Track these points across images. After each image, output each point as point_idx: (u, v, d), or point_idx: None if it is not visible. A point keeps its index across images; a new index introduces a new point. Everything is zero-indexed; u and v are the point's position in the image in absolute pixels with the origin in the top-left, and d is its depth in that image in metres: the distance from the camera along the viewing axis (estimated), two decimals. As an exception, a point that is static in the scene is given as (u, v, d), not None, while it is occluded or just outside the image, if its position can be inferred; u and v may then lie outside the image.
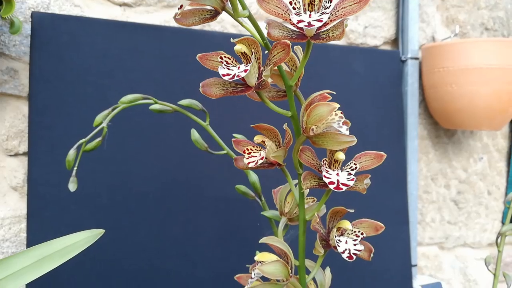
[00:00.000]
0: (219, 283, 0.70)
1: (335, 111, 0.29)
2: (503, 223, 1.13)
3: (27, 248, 0.64)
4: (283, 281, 0.32)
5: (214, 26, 0.78)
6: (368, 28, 0.92)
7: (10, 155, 0.69)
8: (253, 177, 0.45)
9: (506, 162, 1.11)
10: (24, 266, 0.32)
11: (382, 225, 0.35)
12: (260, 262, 0.33)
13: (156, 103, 0.42)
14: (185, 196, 0.70)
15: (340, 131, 0.29)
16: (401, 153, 0.90)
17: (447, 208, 1.04)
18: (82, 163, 0.65)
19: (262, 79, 0.28)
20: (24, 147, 0.69)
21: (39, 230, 0.64)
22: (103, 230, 0.34)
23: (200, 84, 0.29)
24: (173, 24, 0.75)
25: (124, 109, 0.42)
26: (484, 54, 0.82)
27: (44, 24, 0.64)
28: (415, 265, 0.93)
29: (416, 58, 0.92)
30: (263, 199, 0.47)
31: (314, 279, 0.38)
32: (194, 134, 0.44)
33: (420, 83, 0.95)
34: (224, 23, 0.79)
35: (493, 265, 0.63)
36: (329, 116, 0.29)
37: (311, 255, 0.40)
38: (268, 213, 0.45)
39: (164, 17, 0.75)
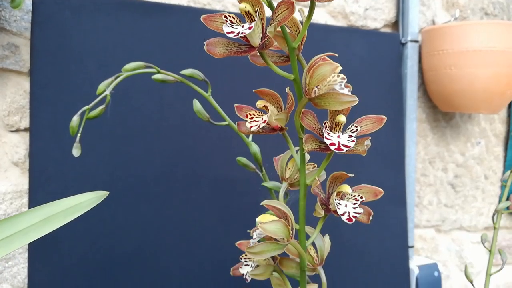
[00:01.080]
0: (219, 262, 0.71)
1: (337, 73, 0.29)
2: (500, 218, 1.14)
3: (29, 222, 0.64)
4: (284, 241, 0.33)
5: (215, 5, 0.78)
6: (368, 11, 0.92)
7: (11, 131, 0.69)
8: (254, 148, 0.45)
9: (504, 147, 1.12)
10: (29, 224, 0.33)
11: (381, 190, 0.35)
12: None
13: (158, 72, 0.42)
14: (186, 176, 0.71)
15: (343, 93, 0.29)
16: (400, 135, 0.91)
17: (444, 191, 1.05)
18: (83, 141, 0.66)
19: (265, 39, 0.28)
20: (25, 123, 0.69)
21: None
22: (107, 192, 0.35)
23: (205, 42, 0.29)
24: (174, 2, 0.75)
25: (126, 78, 0.43)
26: (483, 36, 0.82)
27: (45, -1, 0.64)
28: (412, 247, 0.94)
29: (416, 41, 0.92)
30: (263, 170, 0.48)
31: (313, 244, 0.39)
32: (196, 105, 0.44)
33: (420, 66, 0.96)
34: (224, 2, 0.79)
35: (489, 242, 0.65)
36: (331, 78, 0.29)
37: (310, 222, 0.41)
38: (269, 184, 0.46)
39: (165, -5, 0.75)
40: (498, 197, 1.14)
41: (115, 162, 0.68)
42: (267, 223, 0.31)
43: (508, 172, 0.64)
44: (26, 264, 0.68)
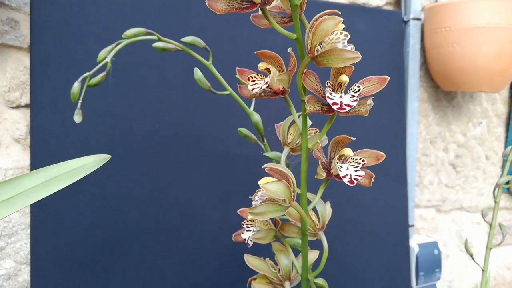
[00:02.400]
0: (220, 236, 0.72)
1: (340, 31, 0.29)
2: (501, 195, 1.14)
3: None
4: (285, 202, 0.33)
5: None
6: (370, -12, 0.91)
7: (12, 107, 0.69)
8: (256, 117, 0.45)
9: (505, 128, 1.12)
10: (32, 186, 0.33)
11: (383, 154, 0.35)
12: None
13: (159, 39, 0.42)
14: (187, 151, 0.71)
15: (345, 49, 0.29)
16: (401, 114, 0.91)
17: (445, 171, 1.05)
18: (85, 116, 0.65)
19: (268, -6, 0.28)
20: (26, 99, 0.69)
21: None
22: (109, 156, 0.35)
23: (206, -2, 0.29)
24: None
25: (127, 46, 0.42)
26: (486, 13, 0.81)
27: (44, -27, 0.64)
28: (412, 225, 0.95)
29: (418, 19, 0.91)
30: (265, 140, 0.48)
31: (315, 210, 0.39)
32: (197, 73, 0.44)
33: (422, 45, 0.95)
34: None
35: (490, 217, 0.65)
36: (334, 36, 0.29)
37: (311, 189, 0.41)
38: (270, 154, 0.46)
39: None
40: (498, 178, 1.14)
41: (116, 137, 0.68)
42: (269, 183, 0.31)
43: (510, 147, 0.64)
44: (29, 240, 0.69)
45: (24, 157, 0.70)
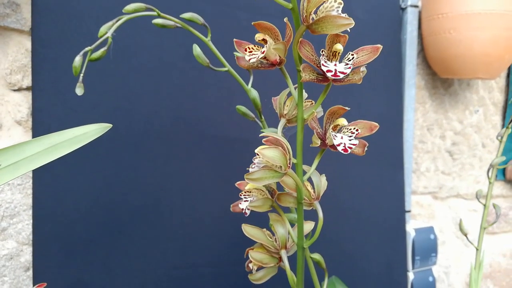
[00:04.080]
0: (219, 214, 0.73)
1: (334, -1, 0.30)
2: (496, 175, 1.15)
3: (32, 177, 0.66)
4: (281, 169, 0.34)
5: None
6: (368, -25, 0.92)
7: (14, 90, 0.70)
8: (254, 93, 0.46)
9: (502, 116, 1.13)
10: (35, 152, 0.34)
11: (377, 124, 0.36)
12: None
13: (159, 15, 0.43)
14: (186, 133, 0.72)
15: (339, 15, 0.30)
16: (399, 100, 0.92)
17: (442, 158, 1.06)
18: (85, 98, 0.66)
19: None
20: (27, 82, 0.70)
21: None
22: (111, 125, 0.36)
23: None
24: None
25: (128, 24, 0.43)
26: (483, -1, 0.82)
27: (45, -44, 0.64)
28: (409, 211, 0.96)
29: (416, 6, 0.92)
30: (262, 117, 0.49)
31: (310, 181, 0.40)
32: (196, 49, 0.45)
33: (419, 32, 0.96)
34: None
35: (483, 199, 0.66)
36: (328, 4, 0.30)
37: (307, 163, 0.42)
38: (267, 130, 0.47)
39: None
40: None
41: (117, 119, 0.69)
42: (266, 149, 0.32)
43: (504, 129, 0.65)
44: (31, 221, 0.70)
45: (25, 139, 0.71)
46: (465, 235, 0.64)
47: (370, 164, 0.89)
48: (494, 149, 1.13)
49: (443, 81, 1.03)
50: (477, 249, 0.64)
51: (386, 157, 0.91)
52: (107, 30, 0.42)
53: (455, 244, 1.11)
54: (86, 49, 0.41)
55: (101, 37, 0.42)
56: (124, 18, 0.42)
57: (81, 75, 0.41)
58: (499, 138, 0.65)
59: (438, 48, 0.90)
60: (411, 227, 0.94)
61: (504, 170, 1.15)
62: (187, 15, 0.43)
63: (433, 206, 1.07)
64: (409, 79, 0.93)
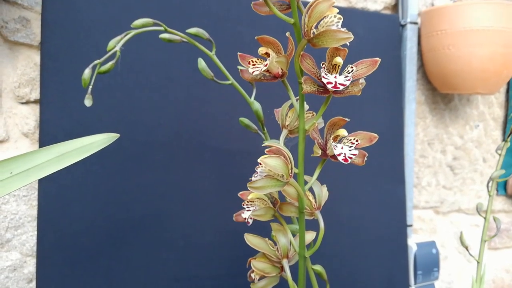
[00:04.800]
0: (220, 226, 0.74)
1: (334, 14, 0.32)
2: (497, 190, 1.16)
3: (38, 188, 0.67)
4: (283, 178, 0.35)
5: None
6: (368, -7, 0.94)
7: (22, 103, 0.71)
8: (256, 105, 0.48)
9: (502, 131, 1.14)
10: (45, 160, 0.35)
11: (376, 135, 0.37)
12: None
13: (166, 30, 0.44)
14: (190, 144, 0.73)
15: (339, 30, 0.31)
16: (399, 115, 0.93)
17: (443, 173, 1.07)
18: (91, 110, 0.67)
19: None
20: (35, 95, 0.71)
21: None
22: (118, 135, 0.37)
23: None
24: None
25: (134, 40, 0.45)
26: (480, 16, 0.84)
27: (56, -26, 0.67)
28: (411, 225, 0.96)
29: (415, 23, 0.94)
30: (265, 129, 0.50)
31: (312, 191, 0.41)
32: (201, 63, 0.47)
33: (419, 48, 0.98)
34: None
35: (484, 212, 0.67)
36: (328, 19, 0.32)
37: (308, 172, 0.43)
38: (270, 142, 0.48)
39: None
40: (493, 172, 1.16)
41: (121, 131, 0.69)
42: (268, 158, 0.33)
43: (503, 142, 0.66)
44: (35, 232, 0.71)
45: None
46: (466, 248, 0.64)
47: (371, 178, 0.90)
48: (495, 164, 1.14)
49: (443, 96, 1.04)
50: (478, 262, 0.64)
51: (387, 171, 0.91)
52: (116, 44, 0.43)
53: (458, 259, 1.11)
54: (95, 62, 0.43)
55: (109, 50, 0.44)
56: (132, 32, 0.44)
57: (90, 87, 0.43)
58: (498, 151, 0.66)
59: (438, 64, 0.92)
60: (413, 241, 0.94)
61: (505, 185, 1.15)
62: (192, 30, 0.45)
63: (435, 220, 1.07)
64: (409, 94, 0.94)
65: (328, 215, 0.83)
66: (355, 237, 0.87)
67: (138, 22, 0.42)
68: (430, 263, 0.93)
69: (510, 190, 1.14)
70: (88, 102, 0.42)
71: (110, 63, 0.44)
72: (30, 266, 0.71)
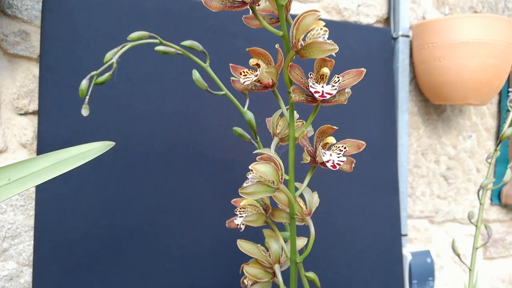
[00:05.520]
0: (216, 235, 0.74)
1: (320, 27, 0.33)
2: (491, 200, 1.17)
3: (35, 198, 0.68)
4: (274, 184, 0.36)
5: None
6: (361, 7, 0.97)
7: (20, 114, 0.73)
8: (249, 115, 0.49)
9: (494, 141, 1.16)
10: (42, 167, 0.36)
11: (363, 142, 0.39)
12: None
13: (161, 42, 0.46)
14: (185, 154, 0.74)
15: (325, 41, 0.33)
16: (392, 125, 0.94)
17: (437, 183, 1.08)
18: (89, 121, 0.69)
19: (256, -6, 0.32)
20: (33, 106, 0.73)
21: (47, 183, 0.68)
22: (114, 143, 0.38)
23: (203, -4, 0.33)
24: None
25: (130, 52, 0.46)
26: (470, 29, 0.86)
27: (55, -11, 0.69)
28: (405, 235, 0.97)
29: (407, 36, 0.96)
30: (258, 138, 0.51)
31: (302, 197, 0.42)
32: (195, 74, 0.48)
33: (411, 61, 1.00)
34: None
35: (475, 219, 0.67)
36: (315, 32, 0.33)
37: (299, 181, 0.44)
38: (262, 151, 0.49)
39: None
40: (490, 191, 1.17)
41: (118, 141, 0.71)
42: (258, 164, 0.34)
43: (493, 151, 0.67)
44: (32, 242, 0.71)
45: (30, 161, 0.73)
46: (458, 255, 0.65)
47: (365, 188, 0.91)
48: (489, 174, 1.15)
49: (435, 107, 1.06)
50: (470, 270, 0.65)
51: (381, 181, 0.92)
52: (112, 56, 0.45)
53: (453, 269, 1.11)
54: (92, 73, 0.44)
55: (106, 62, 0.45)
56: (129, 45, 0.45)
57: (87, 97, 0.44)
58: (488, 160, 0.67)
59: (430, 75, 0.94)
60: (408, 250, 0.95)
61: (499, 194, 1.16)
62: (187, 42, 0.47)
63: (430, 230, 1.08)
64: (402, 105, 0.96)
65: (323, 225, 0.84)
66: (350, 247, 0.88)
67: (134, 35, 0.44)
68: (425, 272, 0.94)
69: (505, 199, 1.15)
70: (85, 111, 0.43)
71: (107, 74, 0.45)
72: (27, 276, 0.72)
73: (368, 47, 0.92)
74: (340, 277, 0.86)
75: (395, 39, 0.96)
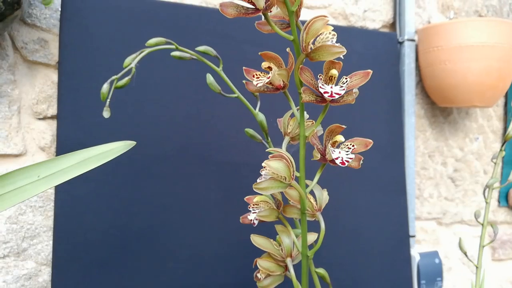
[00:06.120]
0: (226, 236, 0.76)
1: (329, 31, 0.35)
2: (499, 202, 1.18)
3: (54, 199, 0.70)
4: (285, 180, 0.38)
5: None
6: (367, 12, 0.99)
7: (39, 118, 0.76)
8: (261, 116, 0.51)
9: (501, 143, 1.17)
10: (69, 165, 0.38)
11: (371, 141, 0.41)
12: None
13: (177, 48, 0.48)
14: (196, 158, 0.77)
15: (333, 45, 0.35)
16: (399, 128, 0.96)
17: (444, 184, 1.09)
18: (105, 124, 0.71)
19: (269, 1, 0.34)
20: (52, 111, 0.75)
21: (66, 185, 0.70)
22: (135, 142, 0.41)
23: (219, 4, 0.35)
24: (187, 1, 0.82)
25: (147, 57, 0.49)
26: (474, 32, 0.88)
27: (73, -1, 0.72)
28: (414, 236, 0.98)
29: (413, 40, 0.98)
30: (269, 139, 0.53)
31: (313, 194, 0.44)
32: (209, 78, 0.50)
33: (417, 64, 1.02)
34: (233, 3, 0.86)
35: (482, 217, 0.69)
36: (324, 36, 0.35)
37: (309, 177, 0.46)
38: (273, 150, 0.51)
39: (179, -3, 0.83)
40: (498, 192, 1.18)
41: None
42: (271, 161, 0.37)
43: (498, 151, 0.69)
44: (50, 242, 0.74)
45: (48, 164, 0.76)
46: (465, 253, 0.67)
47: (373, 190, 0.92)
48: (495, 176, 1.16)
49: (442, 110, 1.08)
50: (477, 267, 0.66)
51: (388, 182, 0.94)
52: (131, 61, 0.48)
53: (462, 270, 1.12)
54: (113, 77, 0.47)
55: (126, 67, 0.48)
56: (147, 50, 0.48)
57: (108, 100, 0.46)
58: (494, 160, 0.69)
59: (435, 78, 0.95)
60: (416, 251, 0.96)
61: (506, 196, 1.17)
62: (201, 48, 0.49)
63: (438, 231, 1.09)
64: (408, 108, 0.98)
65: (333, 226, 0.85)
66: (359, 246, 0.90)
67: (152, 41, 0.46)
68: (433, 273, 0.95)
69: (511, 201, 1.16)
70: (106, 113, 0.46)
71: (126, 78, 0.48)
72: (45, 275, 0.74)
73: (375, 51, 0.94)
74: (349, 277, 0.88)
75: (401, 43, 0.98)
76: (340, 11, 0.96)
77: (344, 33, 0.92)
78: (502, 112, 1.16)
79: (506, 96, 1.16)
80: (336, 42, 0.37)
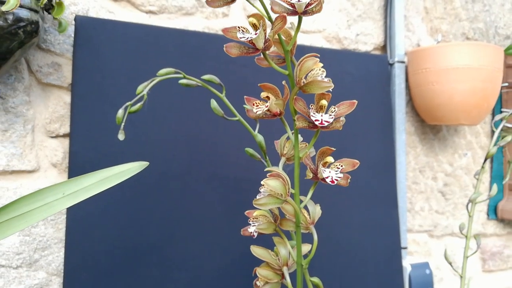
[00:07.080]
0: (229, 248, 0.81)
1: (319, 68, 0.41)
2: (488, 215, 1.23)
3: (66, 213, 0.75)
4: (282, 196, 0.43)
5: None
6: (359, 36, 1.05)
7: (52, 137, 0.81)
8: (260, 137, 0.56)
9: (490, 159, 1.22)
10: (91, 183, 0.43)
11: (357, 161, 0.46)
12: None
13: (184, 77, 0.54)
14: (200, 174, 0.82)
15: (322, 80, 0.41)
16: (391, 144, 1.02)
17: (435, 198, 1.14)
18: (115, 144, 0.76)
19: (267, 43, 0.40)
20: (64, 130, 0.81)
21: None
22: (148, 163, 0.46)
23: (224, 45, 0.41)
24: (191, 28, 0.88)
25: (160, 81, 0.54)
26: (460, 55, 0.94)
27: (86, 26, 0.78)
28: (405, 248, 1.03)
29: (403, 62, 1.04)
30: (267, 157, 0.59)
31: (306, 209, 0.49)
32: (213, 103, 0.56)
33: (407, 85, 1.07)
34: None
35: (465, 230, 0.73)
36: (314, 71, 0.41)
37: (303, 194, 0.51)
38: (271, 168, 0.56)
39: (184, 23, 0.89)
40: (487, 205, 1.23)
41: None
42: (269, 180, 0.42)
43: (480, 168, 0.74)
44: (61, 253, 0.78)
45: (59, 180, 0.81)
46: (450, 263, 0.71)
47: (366, 204, 0.97)
48: (484, 190, 1.21)
49: (431, 127, 1.13)
50: (461, 276, 0.71)
51: (381, 196, 0.99)
52: (143, 88, 0.53)
53: (453, 281, 1.17)
54: (127, 104, 0.52)
55: (138, 94, 0.53)
56: (157, 79, 0.53)
57: (123, 123, 0.52)
58: (476, 176, 0.74)
59: (424, 98, 1.01)
60: (407, 262, 1.00)
61: (495, 209, 1.22)
62: (206, 76, 0.55)
63: (429, 244, 1.14)
64: (399, 126, 1.03)
65: (326, 239, 0.90)
66: (352, 258, 0.94)
67: (163, 71, 0.52)
68: (424, 283, 0.99)
69: (501, 214, 1.21)
70: (121, 136, 0.51)
71: (139, 104, 0.53)
72: (55, 285, 0.78)
73: (367, 72, 1.00)
74: (342, 286, 0.92)
75: (391, 65, 1.04)
76: (334, 35, 1.02)
77: (338, 56, 0.98)
78: (489, 129, 1.22)
79: (493, 113, 1.21)
80: (330, 65, 0.43)
